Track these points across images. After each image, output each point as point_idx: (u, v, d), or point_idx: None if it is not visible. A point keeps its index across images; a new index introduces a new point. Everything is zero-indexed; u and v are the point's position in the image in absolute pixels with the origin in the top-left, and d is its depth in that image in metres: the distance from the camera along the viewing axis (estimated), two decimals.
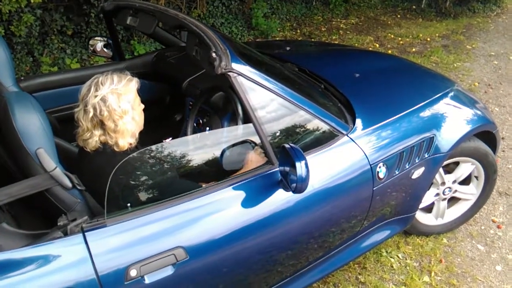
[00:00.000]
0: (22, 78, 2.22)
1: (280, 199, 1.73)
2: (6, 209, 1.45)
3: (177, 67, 2.67)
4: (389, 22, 7.72)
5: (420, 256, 2.60)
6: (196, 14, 5.88)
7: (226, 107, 2.13)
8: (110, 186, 1.35)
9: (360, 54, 3.36)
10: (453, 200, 2.77)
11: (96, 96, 1.53)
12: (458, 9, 8.65)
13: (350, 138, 1.99)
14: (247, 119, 1.91)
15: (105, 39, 2.84)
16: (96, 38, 2.88)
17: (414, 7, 8.60)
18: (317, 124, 1.89)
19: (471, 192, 2.71)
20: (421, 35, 7.07)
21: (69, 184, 1.45)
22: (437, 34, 7.21)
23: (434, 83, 2.78)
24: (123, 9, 2.29)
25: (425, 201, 2.59)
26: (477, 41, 7.09)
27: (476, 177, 2.69)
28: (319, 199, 1.85)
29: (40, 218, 1.62)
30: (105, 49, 2.88)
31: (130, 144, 1.64)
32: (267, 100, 1.74)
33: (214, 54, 1.59)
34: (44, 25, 4.73)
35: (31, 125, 1.43)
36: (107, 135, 1.58)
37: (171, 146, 1.64)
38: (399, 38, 6.86)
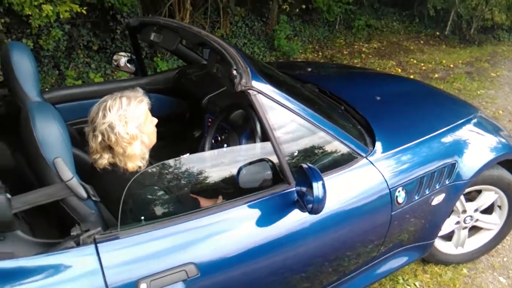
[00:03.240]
0: (46, 89, 2.27)
1: (296, 219, 1.71)
2: (21, 217, 1.46)
3: (198, 84, 2.69)
4: (411, 48, 7.69)
5: (439, 286, 2.52)
6: (219, 34, 5.97)
7: (245, 125, 2.12)
8: (124, 198, 1.35)
9: (381, 77, 3.34)
10: (474, 229, 2.68)
11: (104, 123, 1.53)
12: (482, 37, 8.58)
13: (369, 161, 1.96)
14: (265, 137, 1.91)
15: (129, 54, 2.89)
16: (120, 53, 2.93)
17: (437, 33, 8.56)
18: (336, 145, 1.87)
19: (494, 221, 2.63)
20: (444, 61, 7.01)
21: (85, 195, 1.46)
22: (460, 61, 7.14)
23: (456, 109, 2.73)
24: (147, 25, 2.33)
25: (445, 229, 2.51)
26: (502, 69, 6.99)
27: (499, 207, 2.61)
28: (335, 222, 1.81)
29: (55, 227, 1.62)
30: (128, 65, 2.93)
31: (139, 167, 1.62)
32: (286, 119, 1.73)
33: (234, 72, 1.60)
34: (71, 40, 4.86)
35: (50, 135, 1.44)
36: (116, 158, 1.58)
37: (187, 161, 1.63)
38: (422, 64, 6.81)
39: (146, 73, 2.83)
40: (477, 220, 2.60)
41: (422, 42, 8.16)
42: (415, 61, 6.92)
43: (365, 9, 8.17)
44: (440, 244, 2.60)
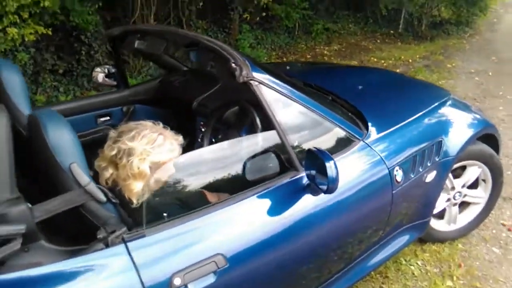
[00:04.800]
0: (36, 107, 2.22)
1: (308, 204, 1.74)
2: (41, 226, 1.42)
3: (182, 89, 2.70)
4: (370, 47, 7.98)
5: (439, 262, 2.61)
6: None
7: (241, 121, 2.15)
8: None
9: (357, 69, 3.47)
10: (463, 205, 2.80)
11: (126, 144, 1.48)
12: (433, 32, 9.00)
13: (366, 143, 2.03)
14: (265, 129, 1.95)
15: (106, 69, 2.87)
16: (97, 69, 2.90)
17: (392, 32, 8.92)
18: (335, 130, 1.93)
19: (480, 195, 2.76)
20: (402, 57, 7.31)
21: (104, 198, 1.44)
22: (417, 56, 7.46)
23: (431, 92, 2.89)
24: (130, 34, 2.33)
25: (437, 207, 2.61)
26: (456, 60, 7.35)
27: (484, 180, 2.74)
28: (344, 204, 1.86)
29: (71, 235, 1.58)
30: (107, 79, 2.91)
31: (132, 202, 1.49)
32: (286, 108, 1.77)
33: (233, 65, 1.63)
34: (36, 65, 4.75)
35: (64, 141, 1.42)
36: (117, 179, 1.52)
37: (200, 156, 1.64)
38: (382, 61, 7.07)
39: (127, 85, 2.81)
40: (465, 195, 2.72)
41: (378, 41, 8.47)
42: (375, 59, 7.17)
43: (321, 14, 8.41)
44: (434, 223, 2.70)
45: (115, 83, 2.85)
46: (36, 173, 1.57)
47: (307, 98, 1.85)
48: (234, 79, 1.62)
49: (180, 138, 1.59)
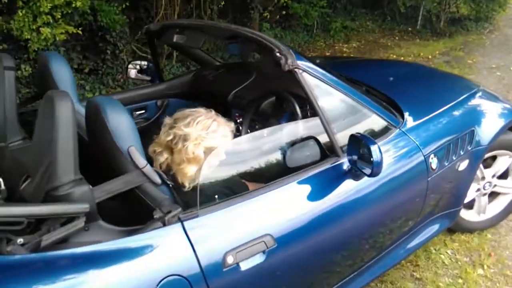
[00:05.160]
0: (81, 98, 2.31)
1: (348, 189, 1.80)
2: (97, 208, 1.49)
3: (217, 83, 2.77)
4: (389, 44, 7.97)
5: (469, 251, 2.64)
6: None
7: (280, 111, 2.21)
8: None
9: (386, 62, 3.50)
10: (493, 196, 2.82)
11: (182, 130, 1.54)
12: (452, 29, 8.95)
13: (403, 131, 2.07)
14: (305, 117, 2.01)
15: (138, 64, 2.96)
16: (130, 66, 2.99)
17: (410, 29, 8.89)
18: (374, 118, 1.98)
19: (510, 186, 2.78)
20: (422, 53, 7.29)
21: (159, 180, 1.51)
22: (437, 52, 7.44)
23: (461, 84, 2.92)
24: (169, 29, 2.41)
25: (468, 197, 2.64)
26: (476, 55, 7.32)
27: None
28: (383, 190, 1.91)
29: (123, 216, 1.65)
30: (139, 75, 2.99)
31: (185, 186, 1.57)
32: (328, 95, 1.83)
33: (278, 54, 1.69)
34: None
35: (122, 125, 1.50)
36: (171, 163, 1.59)
37: (246, 142, 1.71)
38: (402, 58, 7.06)
39: (163, 79, 2.90)
40: (495, 185, 2.74)
41: (397, 38, 8.45)
42: (395, 56, 7.17)
43: (339, 12, 8.42)
44: (464, 213, 2.72)
45: (148, 78, 2.94)
46: (91, 157, 1.64)
47: (347, 86, 1.90)
48: (279, 67, 1.68)
49: (232, 125, 1.66)
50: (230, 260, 1.43)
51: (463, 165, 2.33)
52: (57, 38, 4.12)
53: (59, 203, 1.32)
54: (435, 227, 2.43)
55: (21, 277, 1.18)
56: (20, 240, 1.26)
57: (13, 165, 1.79)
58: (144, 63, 2.97)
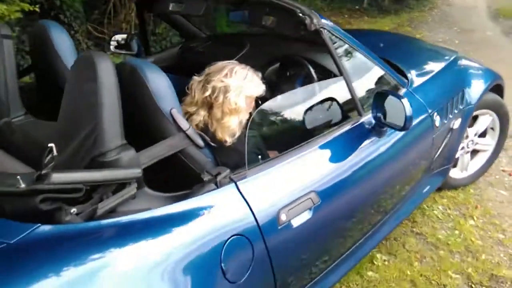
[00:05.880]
0: None
1: (371, 147, 1.84)
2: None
3: (207, 55, 2.70)
4: (340, 21, 8.13)
5: (457, 206, 2.81)
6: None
7: (282, 78, 2.20)
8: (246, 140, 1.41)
9: (366, 31, 3.58)
10: (473, 153, 3.00)
11: (222, 81, 1.51)
12: (397, 6, 9.31)
13: (410, 91, 2.15)
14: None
15: (116, 39, 2.82)
16: (111, 42, 2.84)
17: (357, 7, 9.13)
18: (387, 78, 2.03)
19: (489, 143, 2.97)
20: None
21: (202, 143, 1.46)
22: (386, 28, 7.72)
23: (442, 50, 3.06)
24: None
25: None
26: (423, 31, 7.69)
27: (492, 129, 2.95)
28: (400, 147, 1.98)
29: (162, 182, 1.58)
30: (117, 50, 2.86)
31: (226, 141, 1.54)
32: (349, 55, 1.85)
33: (302, 14, 1.67)
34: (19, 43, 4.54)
35: (163, 86, 1.42)
36: (210, 121, 1.56)
37: (277, 102, 1.68)
38: None
39: (149, 52, 2.78)
40: (476, 143, 2.92)
41: (346, 16, 8.66)
42: None
43: None
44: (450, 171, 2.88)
45: (134, 52, 2.81)
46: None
47: (364, 47, 1.93)
48: (303, 28, 1.67)
49: (260, 74, 1.64)
50: (283, 217, 1.42)
51: (457, 123, 2.45)
52: (12, 17, 3.81)
53: (113, 168, 1.24)
54: (432, 184, 2.56)
55: (84, 246, 1.10)
56: (74, 210, 1.18)
57: (24, 139, 1.66)
58: (123, 36, 2.83)
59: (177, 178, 1.48)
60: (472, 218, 2.69)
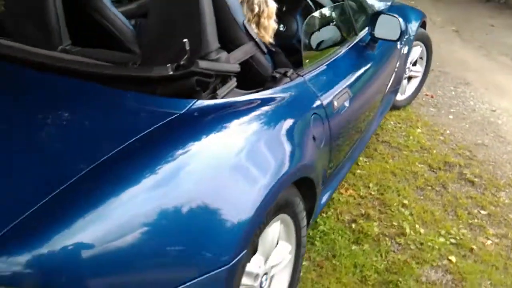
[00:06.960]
0: None
1: (366, 60, 2.32)
2: None
3: None
4: None
5: (403, 121, 3.45)
6: None
7: (292, 9, 2.54)
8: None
9: None
10: (408, 79, 3.67)
11: None
12: None
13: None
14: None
15: None
16: None
17: None
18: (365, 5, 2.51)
19: (419, 70, 3.66)
20: None
21: (265, 50, 1.78)
22: None
23: None
24: None
25: None
26: None
27: (421, 58, 3.63)
28: (383, 60, 2.49)
29: None
30: None
31: (270, 43, 1.88)
32: None
33: None
34: None
35: (237, 1, 1.69)
36: (258, 29, 1.85)
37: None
38: None
39: None
40: (411, 71, 3.58)
41: None
42: None
43: None
44: None
45: None
46: None
47: None
48: None
49: None
50: (336, 104, 1.83)
51: (405, 49, 3.04)
52: None
53: (226, 63, 1.52)
54: (389, 100, 3.14)
55: (231, 115, 1.41)
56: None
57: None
58: None
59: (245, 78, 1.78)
60: (418, 128, 3.35)
